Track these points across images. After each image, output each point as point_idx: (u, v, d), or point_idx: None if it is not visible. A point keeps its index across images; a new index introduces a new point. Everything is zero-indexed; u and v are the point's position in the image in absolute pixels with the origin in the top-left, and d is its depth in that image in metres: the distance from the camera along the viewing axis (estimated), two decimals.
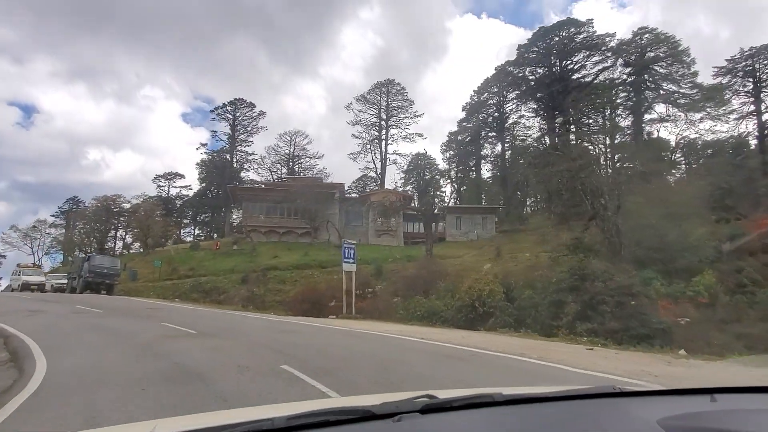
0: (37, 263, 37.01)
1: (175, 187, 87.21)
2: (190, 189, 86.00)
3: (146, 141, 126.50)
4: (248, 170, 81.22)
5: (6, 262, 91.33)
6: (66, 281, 38.02)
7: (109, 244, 77.40)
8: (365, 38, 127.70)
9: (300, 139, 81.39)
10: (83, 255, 40.43)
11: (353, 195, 64.89)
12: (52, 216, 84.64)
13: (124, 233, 78.71)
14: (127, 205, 76.12)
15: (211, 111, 79.93)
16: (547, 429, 1.51)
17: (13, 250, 78.98)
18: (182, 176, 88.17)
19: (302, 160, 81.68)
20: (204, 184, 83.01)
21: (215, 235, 74.49)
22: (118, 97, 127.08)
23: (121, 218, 76.79)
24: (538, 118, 64.89)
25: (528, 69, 61.92)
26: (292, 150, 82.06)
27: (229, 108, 79.34)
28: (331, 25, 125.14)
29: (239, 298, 33.22)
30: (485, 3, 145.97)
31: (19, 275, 37.88)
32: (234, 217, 78.25)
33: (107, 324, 13.62)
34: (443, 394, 1.70)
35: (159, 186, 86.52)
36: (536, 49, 60.70)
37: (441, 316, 22.88)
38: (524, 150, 65.52)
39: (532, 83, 62.80)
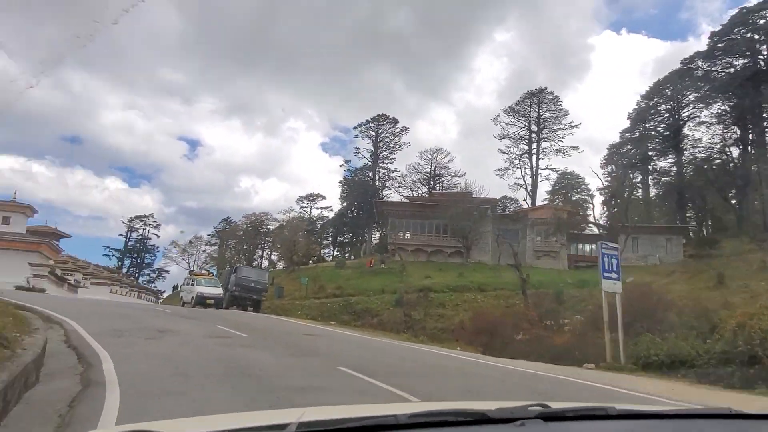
0: (210, 271, 31.61)
1: (317, 208, 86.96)
2: (331, 210, 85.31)
3: (289, 169, 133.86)
4: (390, 188, 77.83)
5: (169, 277, 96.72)
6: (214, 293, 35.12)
7: (256, 261, 77.92)
8: (500, 60, 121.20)
9: (441, 156, 76.64)
10: (231, 267, 36.60)
11: (505, 212, 58.04)
12: (209, 235, 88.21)
13: (269, 252, 79.40)
14: (274, 224, 76.43)
15: (355, 128, 77.97)
16: None
17: (173, 265, 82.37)
18: (323, 197, 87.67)
19: (444, 179, 76.71)
20: (345, 203, 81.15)
21: (352, 256, 71.65)
22: (266, 130, 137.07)
23: (267, 238, 77.79)
24: (722, 125, 53.49)
25: (723, 61, 50.98)
26: (433, 168, 77.46)
27: (371, 125, 76.81)
28: (466, 48, 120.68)
29: (394, 322, 28.05)
30: (627, 17, 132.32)
31: (191, 284, 31.32)
32: (376, 236, 75.04)
33: (255, 362, 8.52)
34: (554, 405, 1.65)
35: (302, 207, 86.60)
36: (734, 37, 49.82)
37: (691, 364, 15.51)
38: (707, 162, 54.48)
39: (724, 78, 51.71)
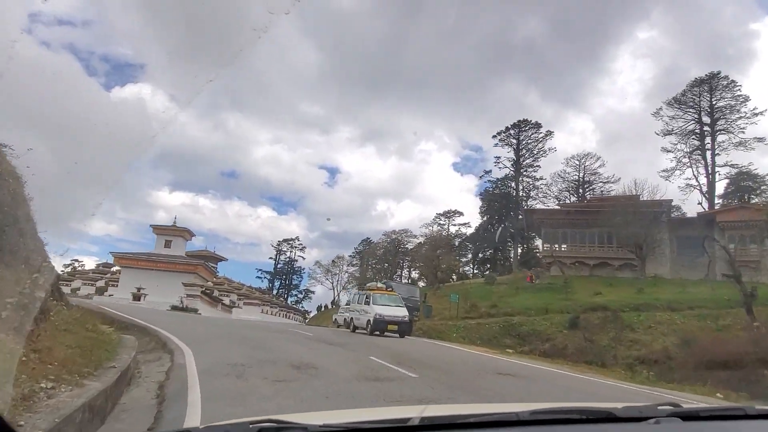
0: (389, 286, 24.71)
1: (455, 224, 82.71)
2: (469, 226, 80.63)
3: (422, 191, 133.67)
4: (535, 198, 71.12)
5: (315, 297, 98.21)
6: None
7: (396, 279, 75.45)
8: (644, 60, 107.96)
9: (590, 161, 68.43)
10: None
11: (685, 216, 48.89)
12: (350, 256, 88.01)
13: (409, 269, 76.64)
14: (413, 240, 73.66)
15: (494, 136, 72.46)
16: None
17: (317, 285, 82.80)
18: (461, 213, 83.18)
19: (594, 186, 68.31)
20: (486, 217, 75.89)
21: (496, 272, 65.89)
22: (399, 153, 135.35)
23: (407, 256, 75.26)
24: None
25: None
26: (581, 175, 69.51)
27: (512, 131, 71.02)
28: (604, 50, 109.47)
29: (574, 348, 22.56)
30: None
31: (365, 302, 23.44)
32: (521, 249, 68.71)
33: None
34: (685, 405, 1.54)
35: (439, 224, 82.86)
36: None
37: None
38: None
39: None
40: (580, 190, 68.84)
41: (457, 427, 1.30)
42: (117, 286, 48.69)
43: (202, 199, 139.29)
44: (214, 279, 58.86)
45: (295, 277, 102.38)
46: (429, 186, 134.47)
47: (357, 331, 23.08)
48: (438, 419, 1.33)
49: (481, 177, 78.19)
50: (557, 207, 57.82)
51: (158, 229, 50.43)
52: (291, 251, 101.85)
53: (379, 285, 26.67)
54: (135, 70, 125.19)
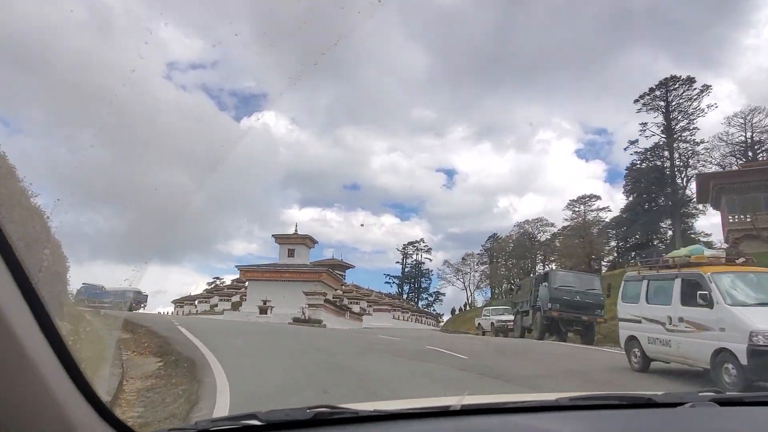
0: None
1: (592, 210, 72.18)
2: (609, 210, 69.88)
3: (545, 182, 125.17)
4: (693, 168, 59.02)
5: (446, 299, 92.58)
6: (512, 318, 24.14)
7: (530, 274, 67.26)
8: None
9: (759, 117, 55.30)
10: (538, 274, 24.51)
11: None
12: (478, 254, 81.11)
13: (543, 263, 67.82)
14: (550, 230, 65.22)
15: (635, 101, 61.19)
16: None
17: (448, 287, 76.98)
18: (598, 197, 72.49)
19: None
20: (632, 196, 64.87)
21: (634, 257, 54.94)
22: (517, 146, 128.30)
23: (543, 249, 66.73)
24: None
25: None
26: (750, 135, 56.53)
27: (658, 93, 59.73)
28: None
29: None
30: None
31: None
32: (689, 223, 57.25)
33: None
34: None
35: (574, 211, 72.88)
36: None
37: None
38: None
39: None
40: (749, 153, 55.99)
41: (496, 413, 1.31)
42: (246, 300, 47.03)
43: (329, 212, 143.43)
44: (342, 287, 55.53)
45: (423, 279, 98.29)
46: (552, 176, 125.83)
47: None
48: (477, 406, 1.36)
49: (625, 149, 66.84)
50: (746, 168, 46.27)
51: (280, 239, 47.90)
52: (417, 254, 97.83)
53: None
54: (259, 100, 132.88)
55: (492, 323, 23.81)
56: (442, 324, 78.64)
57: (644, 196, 63.01)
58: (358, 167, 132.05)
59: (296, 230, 48.54)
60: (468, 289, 74.64)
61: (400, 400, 1.68)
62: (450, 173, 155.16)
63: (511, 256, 69.76)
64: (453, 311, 60.56)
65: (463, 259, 75.15)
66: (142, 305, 42.51)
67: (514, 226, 67.73)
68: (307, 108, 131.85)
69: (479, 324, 26.40)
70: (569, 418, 1.27)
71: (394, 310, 64.41)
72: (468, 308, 61.14)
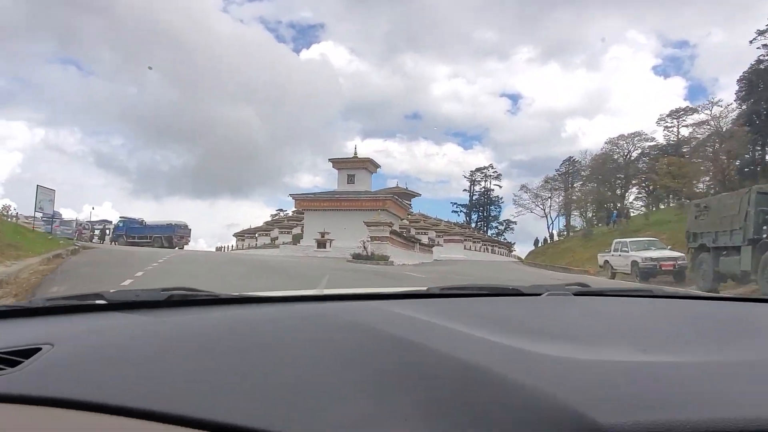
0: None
1: (686, 126, 60.03)
2: (707, 126, 57.66)
3: (618, 103, 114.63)
4: None
5: (517, 228, 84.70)
6: (676, 257, 17.02)
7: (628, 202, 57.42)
8: None
9: None
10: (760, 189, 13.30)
11: None
12: (550, 179, 71.39)
13: (647, 188, 57.49)
14: (643, 146, 54.95)
15: None
16: (703, 322, 1.24)
17: (525, 214, 68.81)
18: (694, 110, 59.85)
19: None
20: (748, 103, 52.89)
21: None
22: (587, 66, 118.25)
23: (639, 171, 56.33)
24: None
25: None
26: None
27: None
28: None
29: None
30: None
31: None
32: None
33: None
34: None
35: (666, 128, 60.98)
36: None
37: None
38: None
39: None
40: None
41: (356, 298, 1.30)
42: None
43: (391, 143, 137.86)
44: (409, 216, 49.32)
45: (492, 207, 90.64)
46: (626, 96, 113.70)
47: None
48: (343, 294, 1.34)
49: (751, 41, 53.74)
50: None
51: (338, 163, 41.69)
52: (485, 181, 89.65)
53: None
54: (317, 30, 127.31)
55: (635, 262, 16.52)
56: (514, 253, 71.84)
57: (763, 103, 51.15)
58: (419, 96, 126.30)
59: (356, 153, 42.01)
60: (548, 216, 66.19)
61: (271, 292, 1.54)
62: (514, 98, 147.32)
63: (594, 180, 60.04)
64: (536, 242, 52.92)
65: (546, 181, 66.18)
66: (185, 240, 37.70)
67: (605, 143, 57.49)
68: (365, 36, 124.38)
69: (606, 262, 19.26)
70: (436, 304, 1.22)
71: (466, 240, 57.85)
72: (556, 238, 53.22)
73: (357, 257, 26.00)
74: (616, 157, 55.93)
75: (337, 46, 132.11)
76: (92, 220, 40.67)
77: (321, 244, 34.91)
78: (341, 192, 39.70)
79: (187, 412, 0.59)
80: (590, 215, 55.97)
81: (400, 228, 38.55)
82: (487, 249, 63.13)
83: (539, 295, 1.34)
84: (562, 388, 0.60)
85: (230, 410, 0.59)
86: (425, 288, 1.39)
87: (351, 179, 40.79)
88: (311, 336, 0.87)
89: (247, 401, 0.62)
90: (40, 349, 0.75)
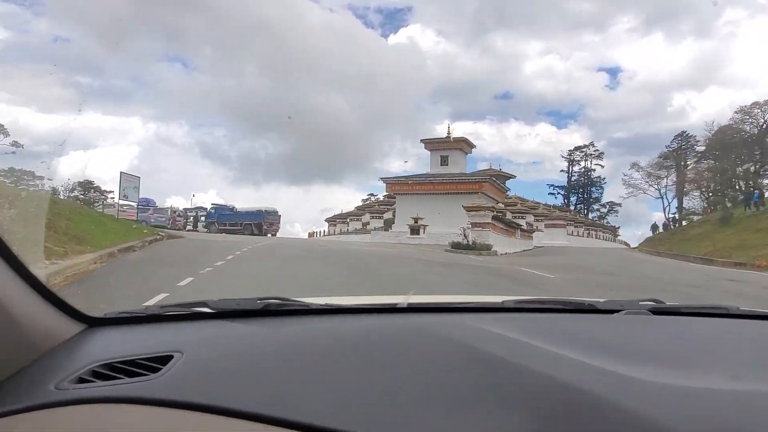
0: None
1: None
2: None
3: (733, 71, 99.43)
4: None
5: (622, 211, 77.15)
6: None
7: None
8: None
9: None
10: None
11: None
12: (659, 158, 63.19)
13: None
14: None
15: None
16: None
17: (637, 194, 61.68)
18: None
19: None
20: None
21: None
22: (696, 33, 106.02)
23: None
24: None
25: None
26: None
27: None
28: None
29: None
30: None
31: None
32: None
33: None
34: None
35: None
36: None
37: None
38: None
39: None
40: None
41: (440, 311, 1.33)
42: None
43: (480, 125, 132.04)
44: (505, 199, 45.51)
45: (594, 189, 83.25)
46: (743, 64, 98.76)
47: None
48: (423, 304, 1.39)
49: None
50: None
51: (430, 143, 38.88)
52: (585, 160, 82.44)
53: None
54: (404, 14, 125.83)
55: None
56: (620, 238, 65.12)
57: None
58: (509, 75, 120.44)
59: (449, 133, 38.92)
60: (664, 197, 58.96)
61: (352, 297, 1.64)
62: (613, 72, 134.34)
63: (724, 154, 51.88)
64: (654, 227, 46.74)
65: (661, 158, 58.89)
66: (275, 227, 36.57)
67: (735, 111, 49.39)
68: (453, 17, 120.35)
69: None
70: (512, 319, 1.24)
71: (568, 225, 52.88)
72: (681, 223, 46.79)
73: (456, 246, 23.21)
74: (748, 128, 47.85)
75: (424, 29, 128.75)
76: (188, 207, 40.92)
77: (414, 231, 32.50)
78: (434, 174, 36.92)
79: (310, 420, 0.62)
80: (713, 196, 48.50)
81: (498, 212, 35.16)
82: (591, 234, 57.55)
83: (616, 311, 1.31)
84: (670, 417, 0.59)
85: (346, 419, 0.62)
86: (500, 300, 1.36)
87: (444, 161, 37.85)
88: (405, 349, 0.90)
89: (361, 412, 0.65)
90: (172, 356, 0.82)
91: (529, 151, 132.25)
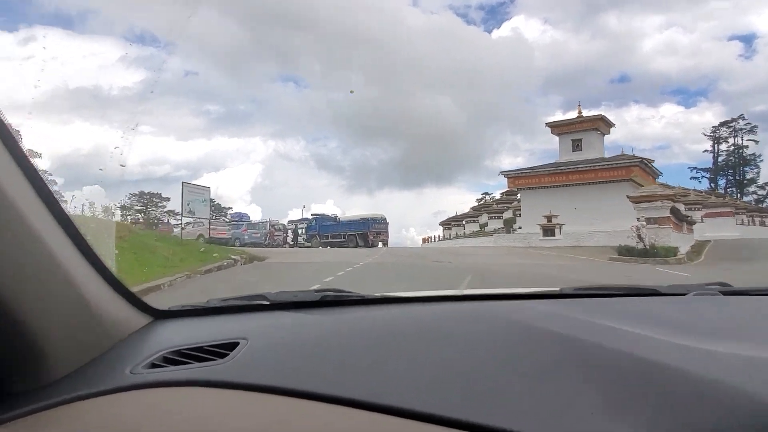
0: None
1: None
2: None
3: None
4: None
5: None
6: None
7: None
8: None
9: None
10: None
11: None
12: None
13: None
14: None
15: None
16: None
17: None
18: None
19: None
20: None
21: None
22: None
23: None
24: None
25: None
26: None
27: None
28: None
29: None
30: None
31: None
32: None
33: None
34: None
35: None
36: None
37: None
38: None
39: None
40: None
41: (496, 299, 1.30)
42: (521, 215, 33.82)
43: (596, 113, 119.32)
44: (656, 188, 37.26)
45: (748, 169, 69.26)
46: None
47: None
48: (480, 294, 1.35)
49: None
50: None
51: (558, 127, 32.45)
52: (734, 137, 68.93)
53: None
54: (506, 7, 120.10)
55: None
56: None
57: None
58: (625, 56, 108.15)
59: (580, 112, 32.16)
60: None
61: (410, 292, 1.57)
62: (748, 39, 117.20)
63: None
64: None
65: None
66: (382, 237, 31.52)
67: None
68: (559, 2, 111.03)
69: None
70: (573, 304, 1.18)
71: (738, 213, 42.75)
72: None
73: (628, 252, 16.75)
74: None
75: (528, 19, 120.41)
76: (294, 219, 37.71)
77: (547, 231, 26.48)
78: (566, 163, 30.45)
79: (372, 399, 0.64)
80: None
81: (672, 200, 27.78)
82: (763, 223, 46.42)
83: (683, 294, 1.26)
84: (760, 386, 0.59)
85: (415, 397, 0.63)
86: (558, 288, 1.30)
87: (577, 145, 31.22)
88: (467, 332, 0.89)
89: (430, 391, 0.66)
90: (237, 343, 0.85)
91: (654, 135, 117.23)
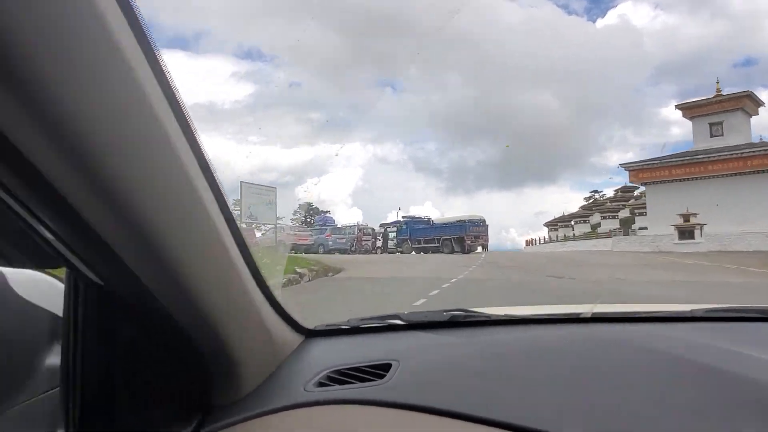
0: None
1: None
2: None
3: None
4: None
5: None
6: None
7: None
8: None
9: None
10: None
11: None
12: None
13: None
14: None
15: None
16: None
17: None
18: None
19: None
20: None
21: None
22: None
23: None
24: None
25: None
26: None
27: None
28: None
29: None
30: None
31: None
32: None
33: None
34: None
35: None
36: None
37: None
38: None
39: None
40: None
41: (626, 321, 1.25)
42: (645, 213, 28.88)
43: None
44: None
45: None
46: None
47: None
48: (608, 314, 1.31)
49: None
50: None
51: (691, 109, 27.22)
52: None
53: None
54: None
55: None
56: None
57: None
58: (750, 37, 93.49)
59: (719, 90, 26.69)
60: None
61: (529, 306, 1.56)
62: None
63: None
64: None
65: None
66: (480, 240, 28.01)
67: None
68: None
69: None
70: (704, 329, 1.14)
71: None
72: None
73: None
74: None
75: (637, 4, 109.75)
76: (385, 222, 35.31)
77: (685, 233, 21.80)
78: (704, 150, 25.22)
79: (526, 424, 0.64)
80: None
81: None
82: None
83: None
84: None
85: (563, 424, 0.64)
86: (689, 309, 1.23)
87: (716, 129, 25.83)
88: (613, 359, 0.87)
89: (587, 422, 0.65)
90: (390, 364, 0.89)
91: None
